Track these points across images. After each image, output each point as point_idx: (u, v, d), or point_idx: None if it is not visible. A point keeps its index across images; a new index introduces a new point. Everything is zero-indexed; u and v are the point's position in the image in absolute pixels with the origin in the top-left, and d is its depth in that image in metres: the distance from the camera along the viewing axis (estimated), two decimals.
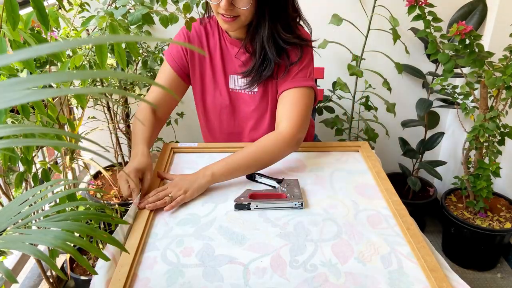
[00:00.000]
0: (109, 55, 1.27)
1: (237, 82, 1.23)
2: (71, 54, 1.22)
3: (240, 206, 0.98)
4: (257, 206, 0.98)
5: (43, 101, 0.93)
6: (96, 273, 0.55)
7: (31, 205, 0.53)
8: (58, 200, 0.80)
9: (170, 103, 1.24)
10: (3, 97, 0.26)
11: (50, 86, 0.96)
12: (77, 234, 0.53)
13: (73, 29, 1.32)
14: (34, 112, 0.87)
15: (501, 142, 1.63)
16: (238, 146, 1.24)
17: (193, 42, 1.22)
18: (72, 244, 0.48)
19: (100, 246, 1.45)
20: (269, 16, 1.08)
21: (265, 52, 1.13)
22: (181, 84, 1.25)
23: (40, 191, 0.58)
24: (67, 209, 0.70)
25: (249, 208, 0.98)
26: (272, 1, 1.06)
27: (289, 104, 1.14)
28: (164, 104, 1.22)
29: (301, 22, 1.18)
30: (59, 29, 1.34)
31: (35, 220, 0.53)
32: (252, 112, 1.24)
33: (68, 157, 1.23)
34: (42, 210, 0.90)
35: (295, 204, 0.98)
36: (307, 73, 1.17)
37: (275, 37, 1.11)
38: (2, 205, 1.13)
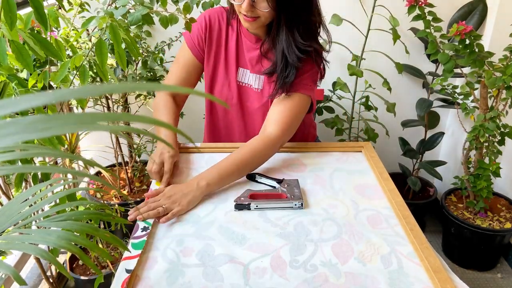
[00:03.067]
0: (109, 55, 1.27)
1: (246, 76, 1.24)
2: (71, 54, 1.22)
3: (240, 206, 0.98)
4: (257, 206, 0.98)
5: None
6: (100, 273, 0.55)
7: (31, 205, 0.53)
8: (58, 200, 0.80)
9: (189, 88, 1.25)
10: (21, 134, 0.28)
11: (50, 87, 0.96)
12: (77, 234, 0.53)
13: (73, 29, 1.32)
14: (33, 112, 0.86)
15: (501, 142, 1.63)
16: (238, 146, 1.23)
17: (213, 26, 1.22)
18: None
19: (100, 245, 1.45)
20: (286, 22, 1.07)
21: (286, 58, 1.11)
22: (197, 67, 1.26)
23: (40, 191, 0.58)
24: (67, 209, 0.70)
25: (249, 208, 0.98)
26: (290, 7, 1.04)
27: (283, 107, 1.14)
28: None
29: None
30: (59, 29, 1.34)
31: (36, 221, 0.53)
32: (257, 110, 1.24)
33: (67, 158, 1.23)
34: (42, 210, 0.89)
35: (295, 204, 0.98)
36: (311, 81, 1.16)
37: (292, 44, 1.09)
38: (2, 205, 1.13)
